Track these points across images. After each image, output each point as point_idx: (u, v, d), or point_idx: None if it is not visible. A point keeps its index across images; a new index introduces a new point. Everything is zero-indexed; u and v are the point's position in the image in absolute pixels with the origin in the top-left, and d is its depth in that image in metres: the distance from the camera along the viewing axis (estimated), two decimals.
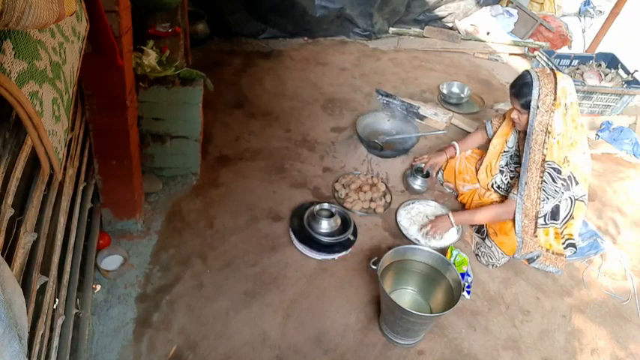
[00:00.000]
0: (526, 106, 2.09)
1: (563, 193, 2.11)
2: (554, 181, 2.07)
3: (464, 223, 2.42)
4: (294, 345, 1.89)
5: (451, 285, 1.92)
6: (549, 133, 2.04)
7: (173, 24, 2.73)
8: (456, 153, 2.58)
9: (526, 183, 2.09)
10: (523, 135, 2.24)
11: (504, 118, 2.42)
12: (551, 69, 2.10)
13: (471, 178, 2.55)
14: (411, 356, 1.90)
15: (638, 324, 2.16)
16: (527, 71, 2.11)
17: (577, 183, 2.14)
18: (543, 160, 2.06)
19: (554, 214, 2.15)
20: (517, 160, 2.36)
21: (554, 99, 2.02)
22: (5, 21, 0.68)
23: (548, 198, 2.10)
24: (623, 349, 2.05)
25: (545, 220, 2.15)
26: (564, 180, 2.10)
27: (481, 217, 2.29)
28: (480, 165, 2.50)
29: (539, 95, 2.03)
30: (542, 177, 2.07)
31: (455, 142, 2.61)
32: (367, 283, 2.15)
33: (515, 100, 2.14)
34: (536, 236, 2.15)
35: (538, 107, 2.04)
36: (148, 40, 2.42)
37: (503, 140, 2.40)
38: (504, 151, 2.40)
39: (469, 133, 3.16)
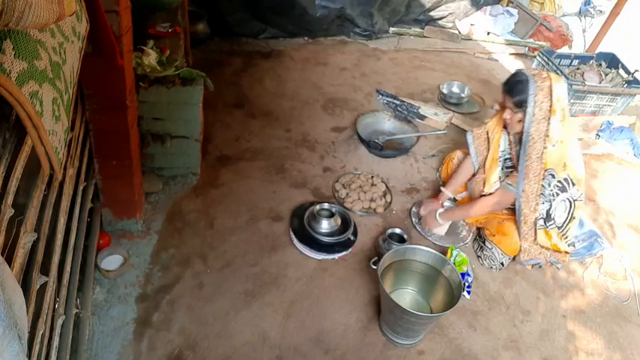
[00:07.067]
0: (519, 105, 2.01)
1: (558, 194, 2.07)
2: (549, 185, 2.05)
3: (455, 220, 2.36)
4: (294, 345, 1.89)
5: (451, 285, 1.92)
6: (547, 140, 1.97)
7: (173, 24, 2.73)
8: (446, 200, 2.43)
9: (524, 190, 2.05)
10: (515, 139, 2.18)
11: (485, 129, 2.32)
12: (547, 72, 2.01)
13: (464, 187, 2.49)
14: (412, 356, 1.90)
15: (639, 324, 2.16)
16: (520, 70, 2.03)
17: (573, 184, 2.10)
18: (542, 169, 2.01)
19: (550, 217, 2.13)
20: (510, 164, 2.25)
21: (551, 105, 1.95)
22: (5, 21, 0.68)
23: (544, 202, 2.08)
24: (623, 349, 2.05)
25: (544, 223, 2.13)
26: (559, 182, 2.06)
27: (475, 210, 2.23)
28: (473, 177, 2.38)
29: (534, 102, 1.95)
30: (541, 184, 2.02)
31: (443, 189, 2.44)
32: (367, 283, 2.15)
33: (508, 97, 2.05)
34: (536, 244, 2.15)
35: (534, 114, 1.96)
36: (148, 40, 2.42)
37: (496, 146, 2.27)
38: (498, 158, 2.28)
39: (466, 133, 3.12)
